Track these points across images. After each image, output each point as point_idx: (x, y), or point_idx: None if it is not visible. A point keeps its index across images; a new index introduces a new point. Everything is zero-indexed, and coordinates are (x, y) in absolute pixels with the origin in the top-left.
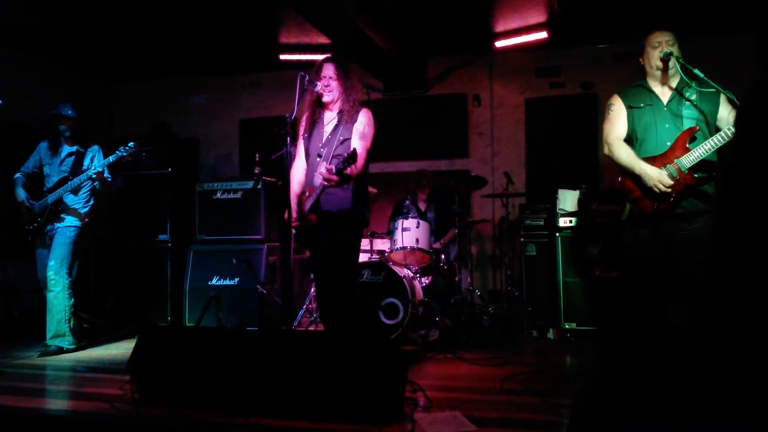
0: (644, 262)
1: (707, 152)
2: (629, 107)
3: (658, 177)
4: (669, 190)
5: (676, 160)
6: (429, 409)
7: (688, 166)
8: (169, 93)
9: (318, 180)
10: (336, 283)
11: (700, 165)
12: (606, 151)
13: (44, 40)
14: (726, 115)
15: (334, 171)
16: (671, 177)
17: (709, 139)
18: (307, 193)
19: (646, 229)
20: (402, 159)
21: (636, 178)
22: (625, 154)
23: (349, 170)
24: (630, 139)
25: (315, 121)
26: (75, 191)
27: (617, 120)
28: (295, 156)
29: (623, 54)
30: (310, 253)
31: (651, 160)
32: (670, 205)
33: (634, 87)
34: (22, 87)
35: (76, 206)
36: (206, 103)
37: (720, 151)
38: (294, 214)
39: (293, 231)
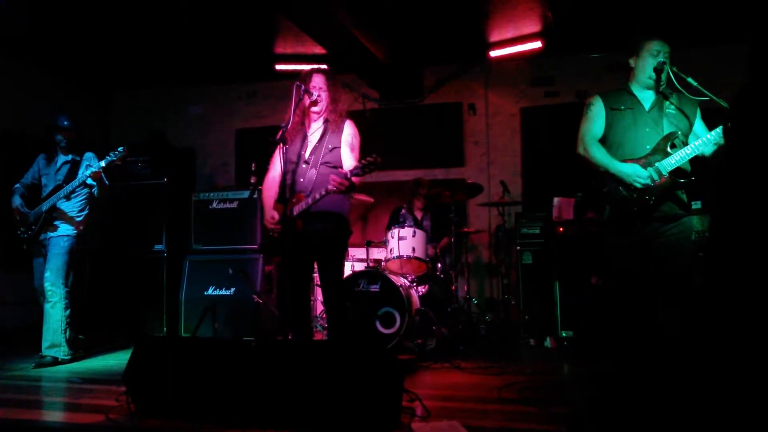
0: (627, 269)
1: (687, 156)
2: (610, 108)
3: (633, 172)
4: (647, 180)
5: (657, 164)
6: (426, 418)
7: (669, 169)
8: (166, 103)
9: (325, 186)
10: (331, 279)
11: (678, 170)
12: (581, 150)
13: (42, 51)
14: (699, 129)
15: (349, 175)
16: (651, 178)
17: (690, 145)
18: (295, 199)
19: (627, 236)
20: (398, 168)
21: (613, 179)
22: (599, 154)
23: (358, 179)
24: (604, 141)
25: (297, 130)
26: (68, 198)
27: (595, 120)
28: (273, 165)
29: (617, 63)
30: (289, 258)
31: (631, 161)
32: (650, 207)
33: (617, 91)
34: (19, 97)
35: (70, 214)
36: (202, 113)
37: (693, 160)
38: (275, 218)
39: (273, 234)
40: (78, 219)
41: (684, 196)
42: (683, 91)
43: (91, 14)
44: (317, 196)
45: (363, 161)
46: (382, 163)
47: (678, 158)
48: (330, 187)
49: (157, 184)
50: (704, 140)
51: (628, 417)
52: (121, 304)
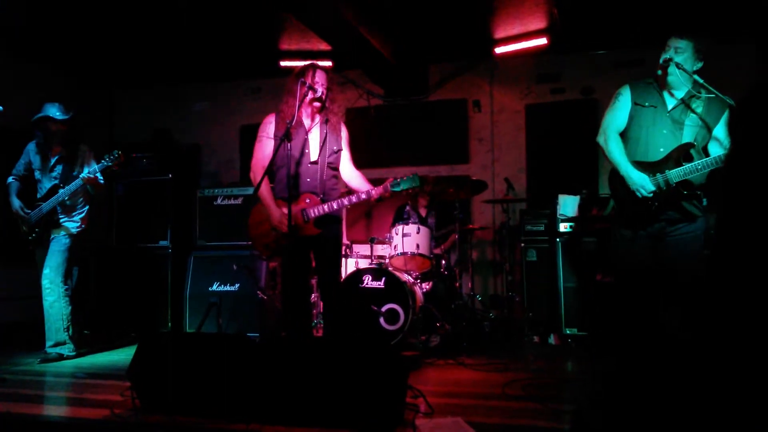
0: (631, 264)
1: (698, 171)
2: (635, 103)
3: (640, 182)
4: (650, 195)
5: (667, 171)
6: (430, 414)
7: (677, 180)
8: (170, 100)
9: (333, 189)
10: (334, 278)
11: (689, 182)
12: (600, 140)
13: (45, 49)
14: (721, 133)
15: (390, 188)
16: (658, 186)
17: (703, 159)
18: (309, 201)
19: (629, 230)
20: (402, 164)
21: (620, 177)
22: (616, 150)
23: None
24: (625, 133)
25: (297, 125)
26: (69, 204)
27: (620, 111)
28: (263, 157)
29: (623, 60)
30: (292, 258)
31: (643, 166)
32: (651, 213)
33: (647, 83)
34: (22, 95)
35: (71, 213)
36: (207, 110)
37: (711, 173)
38: (277, 218)
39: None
40: (80, 216)
41: (692, 208)
42: (700, 94)
43: (96, 13)
44: (346, 203)
45: (405, 177)
46: (384, 159)
47: (687, 171)
48: (374, 196)
49: (162, 180)
50: (719, 158)
51: (630, 415)
52: (126, 300)
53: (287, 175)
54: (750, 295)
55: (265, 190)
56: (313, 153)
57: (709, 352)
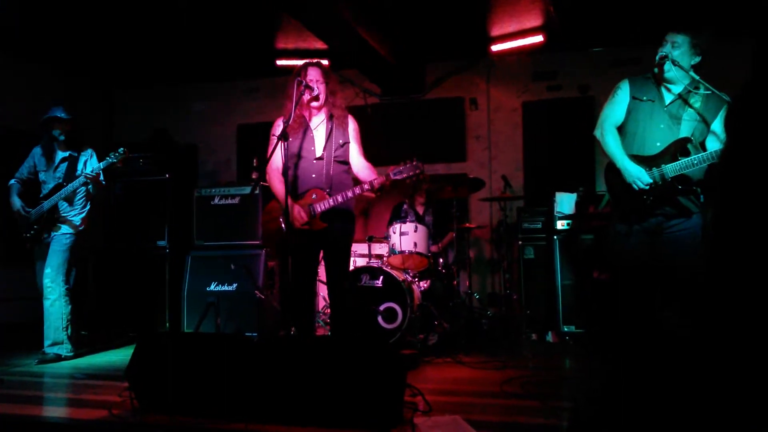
0: (626, 260)
1: (694, 166)
2: (632, 97)
3: (637, 174)
4: (646, 187)
5: (663, 166)
6: (429, 413)
7: (672, 175)
8: (169, 100)
9: (342, 182)
10: (340, 275)
11: (684, 177)
12: (597, 133)
13: (45, 49)
14: (719, 129)
15: (392, 177)
16: (653, 180)
17: (700, 154)
18: (316, 196)
19: (624, 225)
20: (399, 163)
21: (616, 171)
22: (612, 144)
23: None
24: (622, 128)
25: (297, 123)
26: (70, 198)
27: (618, 105)
28: (275, 158)
29: (620, 58)
30: (298, 255)
31: (639, 160)
32: (646, 207)
33: (645, 78)
34: (21, 94)
35: (72, 212)
36: (205, 109)
37: (709, 169)
38: (304, 217)
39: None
40: (80, 216)
41: (688, 203)
42: (699, 90)
43: (96, 13)
44: (350, 194)
45: (406, 164)
46: (381, 158)
47: (683, 165)
48: (375, 185)
49: (160, 180)
50: (715, 153)
51: (627, 412)
52: (124, 300)
53: (287, 174)
54: (748, 290)
55: (278, 187)
56: (318, 149)
57: (708, 348)
